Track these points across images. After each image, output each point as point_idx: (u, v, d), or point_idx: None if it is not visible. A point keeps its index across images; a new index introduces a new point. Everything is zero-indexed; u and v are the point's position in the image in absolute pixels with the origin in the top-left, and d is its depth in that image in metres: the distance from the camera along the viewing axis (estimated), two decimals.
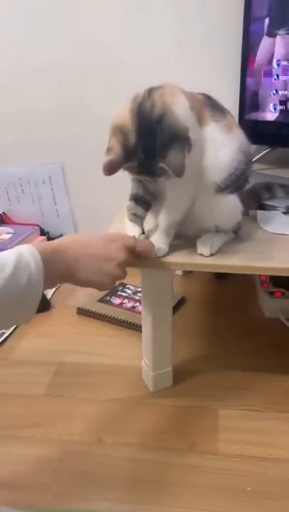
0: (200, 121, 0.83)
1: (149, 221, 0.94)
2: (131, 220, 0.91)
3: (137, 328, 1.22)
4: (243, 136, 0.89)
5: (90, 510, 0.80)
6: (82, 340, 1.23)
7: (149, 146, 0.75)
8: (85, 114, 1.49)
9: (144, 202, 0.91)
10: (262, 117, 1.30)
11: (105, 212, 1.04)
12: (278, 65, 1.25)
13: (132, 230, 0.90)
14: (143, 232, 0.91)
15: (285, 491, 0.83)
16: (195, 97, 0.86)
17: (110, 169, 0.75)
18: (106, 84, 1.46)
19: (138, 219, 0.91)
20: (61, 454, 0.91)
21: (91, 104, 1.48)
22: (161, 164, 0.76)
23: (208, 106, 0.86)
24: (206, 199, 0.87)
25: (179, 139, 0.75)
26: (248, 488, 0.83)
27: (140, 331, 1.07)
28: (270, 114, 1.29)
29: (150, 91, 0.79)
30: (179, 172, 0.75)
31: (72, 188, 1.63)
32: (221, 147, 0.85)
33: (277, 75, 1.27)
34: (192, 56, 1.40)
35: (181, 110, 0.78)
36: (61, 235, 1.66)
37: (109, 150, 0.75)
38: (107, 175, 0.75)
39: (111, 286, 0.84)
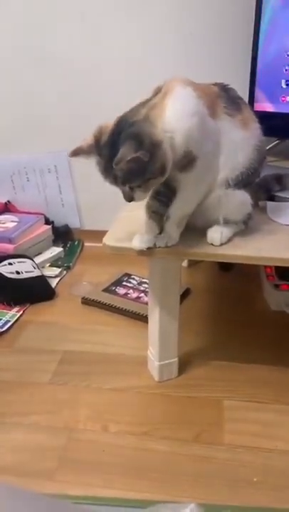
0: (213, 112, 0.82)
1: None
2: (149, 217, 0.89)
3: (141, 318, 1.22)
4: (259, 132, 0.88)
5: (94, 496, 0.79)
6: (87, 330, 1.23)
7: (115, 148, 0.75)
8: (93, 103, 1.47)
9: (163, 196, 0.88)
10: (272, 109, 1.29)
11: (111, 203, 1.02)
12: None
13: (150, 229, 0.88)
14: (160, 232, 0.88)
15: None
16: (207, 88, 0.85)
17: (73, 152, 0.81)
18: (116, 74, 1.45)
19: (157, 216, 0.89)
20: (66, 442, 0.91)
21: (100, 93, 1.47)
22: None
23: (223, 98, 0.85)
24: (215, 193, 0.87)
25: (133, 139, 0.74)
26: (254, 479, 0.83)
27: (145, 321, 1.07)
28: (280, 106, 1.28)
29: (142, 104, 0.79)
30: (116, 161, 0.73)
31: (77, 177, 1.62)
32: (237, 145, 0.84)
33: None
34: (201, 46, 1.39)
35: (181, 99, 0.78)
36: (66, 225, 1.66)
37: (84, 139, 0.80)
38: (69, 155, 0.81)
39: None
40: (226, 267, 1.45)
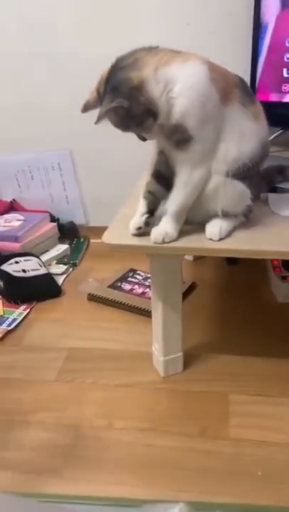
0: (225, 99, 0.81)
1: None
2: (144, 197, 0.91)
3: (147, 313, 1.22)
4: (267, 128, 0.87)
5: (82, 496, 0.80)
6: (92, 326, 1.23)
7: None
8: None
9: (164, 179, 0.88)
10: (274, 98, 1.27)
11: (115, 199, 1.03)
12: None
13: (139, 209, 0.90)
14: (151, 214, 0.89)
15: None
16: (226, 73, 0.84)
17: (84, 107, 0.83)
18: None
19: (152, 197, 0.90)
20: (72, 439, 0.92)
21: None
22: None
23: (239, 88, 0.84)
24: (214, 183, 0.86)
25: (112, 91, 0.77)
26: (259, 473, 0.83)
27: (150, 317, 1.07)
28: (282, 95, 1.26)
29: (149, 49, 0.80)
30: (97, 119, 0.77)
31: (82, 174, 1.63)
32: (243, 135, 0.84)
33: None
34: (201, 36, 1.37)
35: (193, 72, 0.78)
36: (71, 222, 1.67)
37: (90, 93, 0.83)
38: (82, 111, 0.83)
39: None
40: (232, 260, 1.45)
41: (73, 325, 1.24)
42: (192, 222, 0.90)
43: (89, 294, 1.34)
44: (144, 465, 0.86)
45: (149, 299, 1.26)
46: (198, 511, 0.74)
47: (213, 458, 0.87)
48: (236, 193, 0.87)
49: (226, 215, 0.89)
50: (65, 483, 0.83)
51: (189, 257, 1.47)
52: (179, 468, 0.85)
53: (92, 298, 1.34)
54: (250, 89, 0.88)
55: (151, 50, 0.80)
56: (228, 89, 0.82)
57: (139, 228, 0.88)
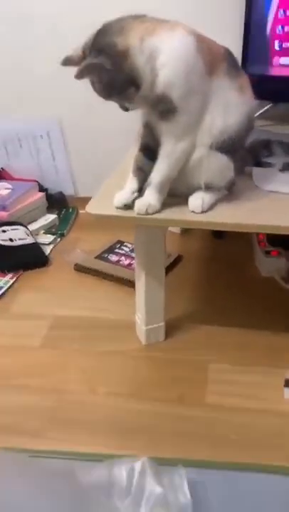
0: (211, 70, 0.81)
1: None
2: (134, 174, 0.91)
3: (132, 284, 1.23)
4: (253, 101, 0.87)
5: (84, 453, 0.84)
6: (78, 296, 1.25)
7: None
8: None
9: (151, 152, 0.88)
10: (265, 71, 1.27)
11: (105, 168, 1.03)
12: (285, 13, 1.20)
13: (129, 186, 0.90)
14: (140, 190, 0.90)
15: (271, 442, 0.86)
16: (213, 45, 0.84)
17: (64, 61, 0.82)
18: None
19: (141, 173, 0.90)
20: (55, 403, 0.95)
21: None
22: None
23: (227, 60, 0.84)
24: (197, 154, 0.86)
25: (96, 52, 0.77)
26: (233, 437, 0.87)
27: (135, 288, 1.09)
28: (273, 68, 1.25)
29: (136, 17, 0.80)
30: (76, 73, 0.76)
31: (71, 143, 1.61)
32: (229, 107, 0.84)
33: (282, 26, 1.22)
34: (191, 8, 1.35)
35: (178, 42, 0.77)
36: (60, 192, 1.67)
37: (74, 48, 0.82)
38: (62, 64, 0.82)
39: None
40: (218, 234, 1.46)
41: (59, 294, 1.26)
42: (176, 194, 0.90)
43: (76, 265, 1.35)
44: (122, 428, 0.89)
45: None
46: (161, 465, 0.77)
47: (188, 422, 0.90)
48: (220, 166, 0.88)
49: (208, 187, 0.89)
50: (46, 443, 0.86)
51: (176, 230, 1.48)
52: (154, 432, 0.88)
53: (79, 268, 1.35)
54: (237, 62, 0.88)
55: (138, 17, 0.80)
56: (215, 61, 0.82)
57: (126, 205, 0.88)
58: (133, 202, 0.88)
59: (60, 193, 1.67)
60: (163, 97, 0.79)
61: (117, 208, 0.89)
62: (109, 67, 0.76)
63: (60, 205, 1.66)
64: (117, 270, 1.32)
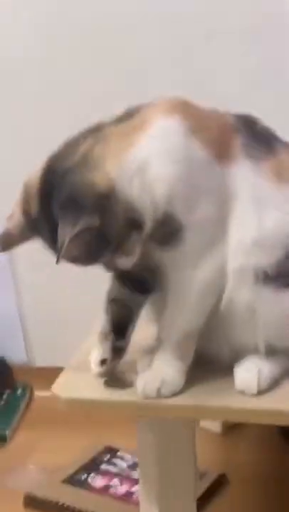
0: (221, 154, 0.87)
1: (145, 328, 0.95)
2: (105, 311, 0.94)
3: None
4: None
5: None
6: None
7: (51, 216, 0.83)
8: None
9: (135, 281, 0.93)
10: None
11: (78, 321, 1.06)
12: None
13: (101, 331, 0.92)
14: (121, 333, 0.91)
15: None
16: (215, 116, 0.90)
17: (3, 243, 0.90)
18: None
19: (118, 307, 0.93)
20: None
21: None
22: None
23: (242, 133, 0.89)
24: (242, 296, 0.88)
25: (68, 207, 0.81)
26: None
27: None
28: None
29: (93, 131, 0.86)
30: (59, 254, 0.80)
31: (23, 278, 1.71)
32: (264, 205, 0.87)
33: None
34: None
35: (160, 137, 0.83)
36: (1, 358, 1.71)
37: (9, 216, 0.89)
38: (1, 251, 0.90)
39: None
40: None
41: None
42: (208, 359, 0.91)
43: (27, 495, 1.34)
44: None
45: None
46: None
47: None
48: (284, 311, 0.89)
49: (269, 351, 0.90)
50: None
51: (215, 427, 1.48)
52: None
53: (33, 502, 1.33)
54: (263, 129, 0.92)
55: (94, 131, 0.87)
56: (223, 138, 0.88)
57: (103, 361, 0.89)
58: (114, 351, 0.90)
59: (1, 361, 1.71)
60: (164, 218, 0.83)
61: (97, 374, 0.90)
62: (97, 224, 0.80)
63: (1, 382, 1.69)
64: (104, 507, 1.30)
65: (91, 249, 0.83)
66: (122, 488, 1.34)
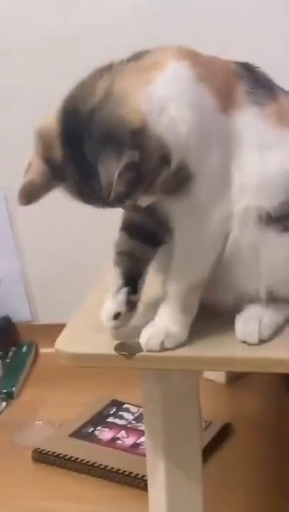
0: (226, 102, 0.86)
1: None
2: (116, 264, 0.93)
3: (142, 483, 1.19)
4: None
5: None
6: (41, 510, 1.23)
7: (81, 157, 0.82)
8: None
9: (143, 232, 0.93)
10: None
11: (82, 272, 1.05)
12: None
13: (113, 285, 0.91)
14: (134, 287, 0.91)
15: None
16: (219, 63, 0.89)
17: (25, 195, 0.85)
18: None
19: (129, 260, 0.93)
20: None
21: None
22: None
23: (245, 79, 0.89)
24: (246, 236, 0.88)
25: (107, 142, 0.80)
26: None
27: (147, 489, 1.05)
28: None
29: (101, 71, 0.85)
30: (110, 196, 0.78)
31: (25, 238, 1.71)
32: (267, 149, 0.87)
33: None
34: None
35: (173, 81, 0.82)
36: (6, 317, 1.71)
37: (28, 167, 0.86)
38: (23, 204, 0.85)
39: None
40: None
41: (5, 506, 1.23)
42: (211, 310, 0.91)
43: (35, 450, 1.34)
44: None
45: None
46: None
47: None
48: (287, 255, 0.89)
49: (270, 298, 0.90)
50: None
51: (219, 377, 1.49)
52: None
53: (40, 456, 1.33)
54: (264, 76, 0.92)
55: (107, 70, 0.85)
56: (227, 84, 0.87)
57: (117, 315, 0.89)
58: (127, 305, 0.90)
59: (6, 319, 1.71)
60: (179, 165, 0.83)
61: (109, 327, 0.90)
62: (137, 159, 0.79)
63: (6, 340, 1.69)
64: (111, 458, 1.30)
65: (132, 187, 0.80)
66: (129, 440, 1.35)
